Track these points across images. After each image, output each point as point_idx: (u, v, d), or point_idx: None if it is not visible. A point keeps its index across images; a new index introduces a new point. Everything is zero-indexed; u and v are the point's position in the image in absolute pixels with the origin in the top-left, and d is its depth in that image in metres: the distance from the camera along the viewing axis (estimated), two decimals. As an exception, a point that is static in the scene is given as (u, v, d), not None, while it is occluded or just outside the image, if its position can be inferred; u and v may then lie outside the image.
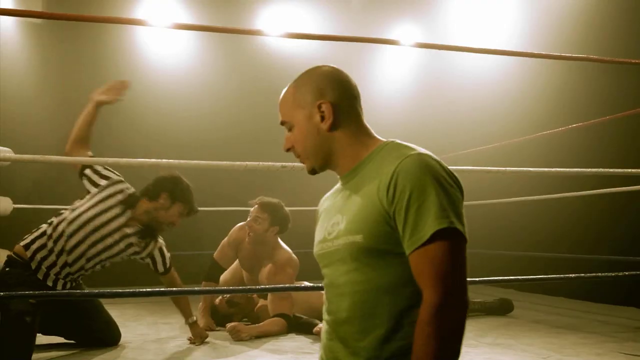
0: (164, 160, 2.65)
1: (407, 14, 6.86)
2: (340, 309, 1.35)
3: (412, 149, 1.33)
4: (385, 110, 6.33)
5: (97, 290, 3.09)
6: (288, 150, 1.46)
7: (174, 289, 3.28)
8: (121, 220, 3.13)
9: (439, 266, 1.21)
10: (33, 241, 3.02)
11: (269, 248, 3.79)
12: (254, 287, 3.67)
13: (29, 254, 2.99)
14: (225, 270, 4.01)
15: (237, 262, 4.06)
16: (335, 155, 1.43)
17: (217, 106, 6.56)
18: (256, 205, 3.80)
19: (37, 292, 2.80)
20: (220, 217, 5.80)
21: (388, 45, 6.12)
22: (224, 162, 2.58)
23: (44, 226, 3.08)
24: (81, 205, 3.10)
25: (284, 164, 2.75)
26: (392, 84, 6.92)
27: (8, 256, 3.05)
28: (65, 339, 3.27)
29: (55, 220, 3.08)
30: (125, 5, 6.12)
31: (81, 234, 3.03)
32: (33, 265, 2.98)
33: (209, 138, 6.32)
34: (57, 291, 3.00)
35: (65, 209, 3.13)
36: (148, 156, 3.16)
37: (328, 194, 1.55)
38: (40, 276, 2.99)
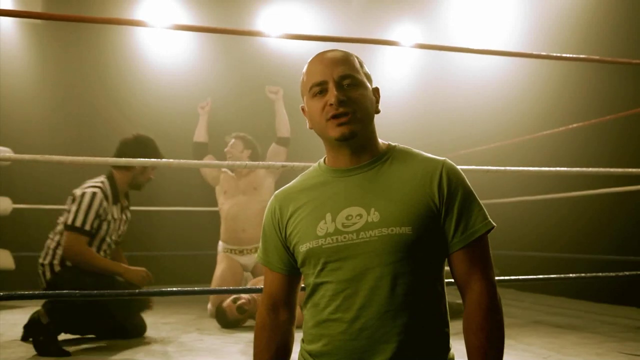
0: (163, 160, 2.66)
1: (407, 14, 6.85)
2: (372, 303, 1.31)
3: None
4: (384, 110, 6.28)
5: (96, 291, 3.07)
6: (342, 102, 1.35)
7: (174, 289, 3.24)
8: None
9: (487, 260, 1.37)
10: None
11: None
12: (254, 287, 3.67)
13: None
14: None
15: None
16: (370, 138, 1.42)
17: (217, 106, 6.55)
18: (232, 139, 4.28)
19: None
20: (217, 216, 5.78)
21: (388, 46, 6.11)
22: (225, 162, 2.60)
23: None
24: None
25: (284, 163, 2.74)
26: (391, 83, 6.91)
27: None
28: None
29: None
30: (125, 6, 6.12)
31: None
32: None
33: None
34: (72, 292, 2.97)
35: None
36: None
37: (294, 186, 1.47)
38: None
